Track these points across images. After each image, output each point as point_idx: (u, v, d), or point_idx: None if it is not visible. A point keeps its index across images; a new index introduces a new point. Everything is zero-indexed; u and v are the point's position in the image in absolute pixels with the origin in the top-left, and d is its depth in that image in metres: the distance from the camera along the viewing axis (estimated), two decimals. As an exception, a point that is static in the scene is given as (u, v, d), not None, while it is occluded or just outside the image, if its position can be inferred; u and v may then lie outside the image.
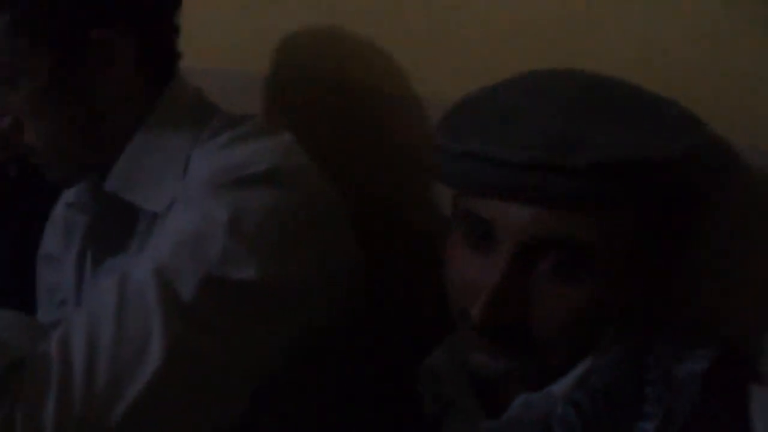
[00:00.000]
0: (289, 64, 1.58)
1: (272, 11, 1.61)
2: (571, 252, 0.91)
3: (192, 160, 1.24)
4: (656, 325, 1.00)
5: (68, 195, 1.46)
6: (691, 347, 0.96)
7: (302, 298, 1.11)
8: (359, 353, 1.25)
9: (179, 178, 1.23)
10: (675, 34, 1.12)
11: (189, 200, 1.14)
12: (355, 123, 1.50)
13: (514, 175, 0.89)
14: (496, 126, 0.92)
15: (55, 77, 1.23)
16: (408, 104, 1.41)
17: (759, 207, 1.06)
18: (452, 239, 1.00)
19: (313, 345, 1.14)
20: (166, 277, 1.03)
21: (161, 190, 1.23)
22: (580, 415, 0.93)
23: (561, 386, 0.95)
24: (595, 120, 0.90)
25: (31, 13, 1.21)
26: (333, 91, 1.53)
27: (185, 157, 1.24)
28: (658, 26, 1.14)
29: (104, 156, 1.28)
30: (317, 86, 1.55)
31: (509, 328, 0.93)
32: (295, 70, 1.58)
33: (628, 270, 0.93)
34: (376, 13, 1.44)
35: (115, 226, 1.30)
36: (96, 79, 1.24)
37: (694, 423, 0.91)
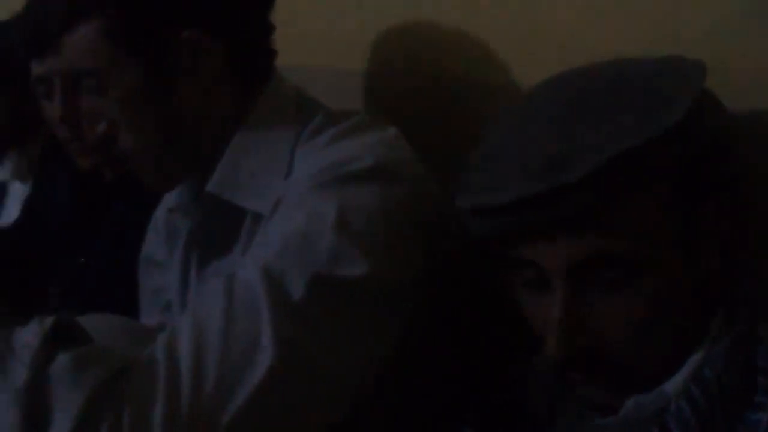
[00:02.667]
0: (387, 59, 1.59)
1: (367, 7, 1.63)
2: (613, 265, 0.91)
3: (295, 158, 1.24)
4: (763, 312, 0.99)
5: (169, 199, 1.48)
6: None
7: (409, 294, 1.11)
8: (463, 348, 1.26)
9: (283, 177, 1.23)
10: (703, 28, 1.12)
11: (295, 199, 1.14)
12: (453, 116, 1.50)
13: (527, 214, 0.90)
14: (493, 171, 0.93)
15: (146, 81, 1.25)
16: (506, 96, 1.41)
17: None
18: (507, 280, 1.01)
19: (418, 339, 1.14)
20: (275, 277, 1.03)
21: (265, 190, 1.23)
22: (694, 410, 0.93)
23: (673, 384, 0.95)
24: (581, 130, 0.89)
25: (120, 19, 1.23)
26: (431, 86, 1.53)
27: (288, 156, 1.25)
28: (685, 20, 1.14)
29: (203, 158, 1.30)
30: (415, 81, 1.56)
31: (588, 349, 0.93)
32: (393, 65, 1.59)
33: (677, 258, 0.93)
34: (473, 6, 1.45)
35: (219, 228, 1.31)
36: (187, 80, 1.26)
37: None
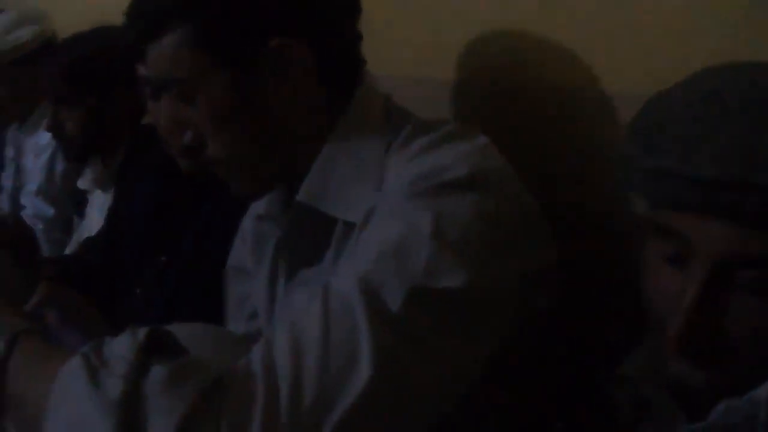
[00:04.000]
0: (473, 67, 1.59)
1: (454, 16, 1.63)
2: (763, 267, 0.89)
3: (387, 168, 1.24)
4: None
5: (257, 207, 1.49)
6: None
7: (505, 304, 1.10)
8: (551, 356, 1.26)
9: (375, 186, 1.23)
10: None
11: (389, 209, 1.13)
12: (540, 123, 1.50)
13: (707, 191, 0.88)
14: (687, 140, 0.91)
15: (234, 89, 1.25)
16: (592, 102, 1.40)
17: None
18: (647, 249, 0.99)
19: (508, 348, 1.12)
20: (372, 288, 1.03)
21: (357, 200, 1.23)
22: None
23: (765, 390, 0.92)
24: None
25: (208, 26, 1.24)
26: (517, 93, 1.53)
27: (379, 165, 1.24)
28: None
29: (291, 167, 1.30)
30: (501, 89, 1.56)
31: (707, 340, 0.91)
32: (479, 73, 1.59)
33: None
34: (559, 13, 1.44)
35: (308, 237, 1.31)
36: (276, 89, 1.26)
37: None
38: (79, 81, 2.31)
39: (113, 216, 2.27)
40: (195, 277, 1.79)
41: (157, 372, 0.98)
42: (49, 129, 2.42)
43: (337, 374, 0.98)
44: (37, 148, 2.98)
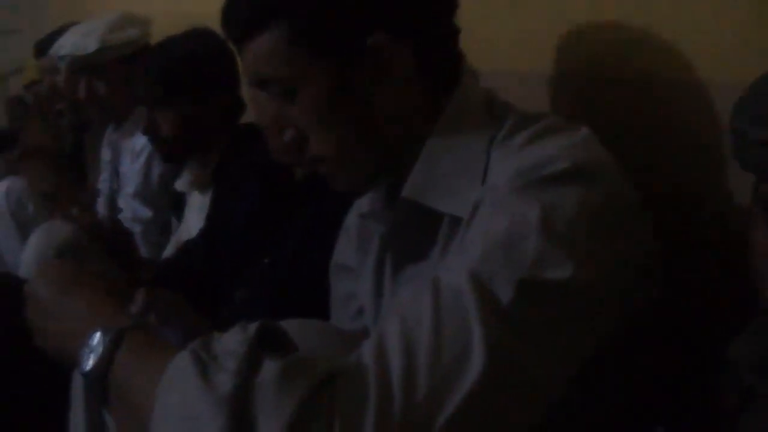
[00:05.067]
0: (571, 59, 1.60)
1: (550, 7, 1.65)
2: None
3: (491, 161, 1.25)
4: None
5: (361, 204, 1.51)
6: None
7: (611, 295, 1.10)
8: (656, 345, 1.26)
9: (478, 180, 1.24)
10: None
11: (495, 202, 1.14)
12: (639, 113, 1.50)
13: None
14: None
15: (335, 86, 1.27)
16: (689, 93, 1.40)
17: None
18: (756, 226, 0.99)
19: (612, 339, 1.12)
20: (482, 281, 1.03)
21: (462, 194, 1.24)
22: None
23: None
24: None
25: (308, 23, 1.26)
26: (615, 83, 1.53)
27: (482, 159, 1.25)
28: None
29: (394, 163, 1.32)
30: (599, 79, 1.57)
31: None
32: (576, 66, 1.60)
33: None
34: (657, 2, 1.44)
35: (414, 233, 1.32)
36: (376, 85, 1.27)
37: None
38: (173, 84, 2.36)
39: (212, 218, 2.31)
40: (299, 277, 1.81)
41: (269, 368, 0.98)
42: (144, 132, 2.48)
43: (450, 367, 0.99)
44: (134, 150, 3.03)
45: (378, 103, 1.28)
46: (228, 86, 2.43)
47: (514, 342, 1.01)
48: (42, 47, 3.66)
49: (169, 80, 2.36)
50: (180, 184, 2.60)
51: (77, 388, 1.39)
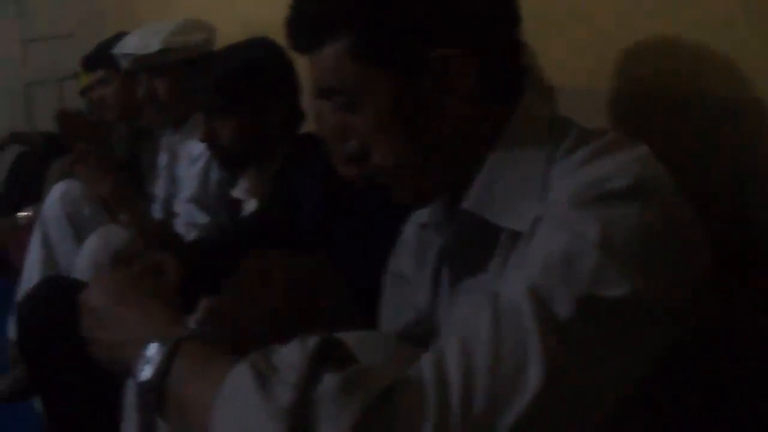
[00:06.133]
0: (631, 77, 1.61)
1: (616, 26, 1.65)
2: None
3: (551, 178, 1.26)
4: None
5: (420, 215, 1.52)
6: None
7: (670, 312, 1.11)
8: (711, 359, 1.26)
9: (539, 195, 1.25)
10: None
11: (554, 218, 1.15)
12: (697, 131, 1.51)
13: None
14: None
15: (399, 98, 1.28)
16: (747, 110, 1.41)
17: None
18: None
19: (668, 354, 1.13)
20: (540, 296, 1.04)
21: (521, 209, 1.26)
22: None
23: None
24: None
25: (373, 36, 1.27)
26: (675, 102, 1.54)
27: (543, 175, 1.27)
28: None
29: (456, 175, 1.33)
30: (658, 98, 1.57)
31: None
32: (637, 82, 1.60)
33: None
34: (716, 21, 1.45)
35: (473, 246, 1.34)
36: (440, 97, 1.29)
37: None
38: (232, 93, 2.38)
39: (266, 220, 2.32)
40: (354, 285, 1.81)
41: (329, 380, 1.00)
42: (203, 140, 2.49)
43: (508, 381, 1.00)
44: (192, 155, 3.05)
45: (441, 115, 1.30)
46: (287, 96, 2.44)
47: (572, 357, 1.02)
48: (90, 61, 3.74)
49: (228, 89, 2.38)
50: (237, 192, 2.62)
51: (131, 396, 1.39)
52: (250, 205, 2.57)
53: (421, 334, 1.51)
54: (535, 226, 1.18)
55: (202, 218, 3.01)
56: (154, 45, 3.01)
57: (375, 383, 1.00)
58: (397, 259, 1.63)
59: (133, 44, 3.06)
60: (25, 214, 4.60)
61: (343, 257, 1.87)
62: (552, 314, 1.03)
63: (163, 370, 1.15)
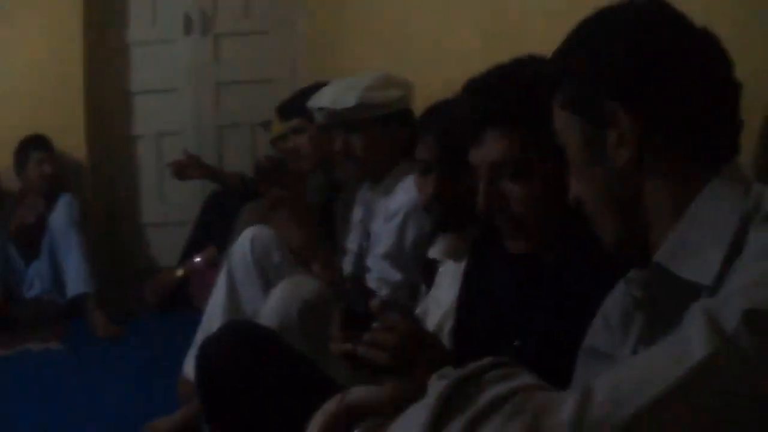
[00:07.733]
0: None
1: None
2: None
3: (747, 239, 1.26)
4: None
5: (619, 287, 1.53)
6: None
7: None
8: None
9: (728, 251, 1.26)
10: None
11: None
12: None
13: None
14: None
15: (584, 146, 1.38)
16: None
17: None
18: None
19: None
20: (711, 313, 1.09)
21: (708, 262, 1.27)
22: None
23: None
24: None
25: (573, 92, 1.38)
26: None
27: (735, 233, 1.27)
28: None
29: (641, 232, 1.38)
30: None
31: None
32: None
33: None
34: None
35: (670, 304, 1.33)
36: (614, 151, 1.35)
37: None
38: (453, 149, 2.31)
39: (465, 292, 2.28)
40: (547, 362, 1.73)
41: None
42: (429, 198, 2.41)
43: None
44: (389, 211, 3.07)
45: (621, 168, 1.35)
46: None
47: (736, 367, 1.05)
48: (285, 109, 3.82)
49: (449, 146, 2.30)
50: (434, 252, 2.57)
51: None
52: (447, 267, 2.51)
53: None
54: (721, 282, 1.23)
55: (395, 275, 2.99)
56: (350, 101, 3.04)
57: None
58: (594, 333, 1.60)
59: (329, 98, 3.11)
60: (198, 260, 4.70)
61: (537, 333, 1.87)
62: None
63: None
